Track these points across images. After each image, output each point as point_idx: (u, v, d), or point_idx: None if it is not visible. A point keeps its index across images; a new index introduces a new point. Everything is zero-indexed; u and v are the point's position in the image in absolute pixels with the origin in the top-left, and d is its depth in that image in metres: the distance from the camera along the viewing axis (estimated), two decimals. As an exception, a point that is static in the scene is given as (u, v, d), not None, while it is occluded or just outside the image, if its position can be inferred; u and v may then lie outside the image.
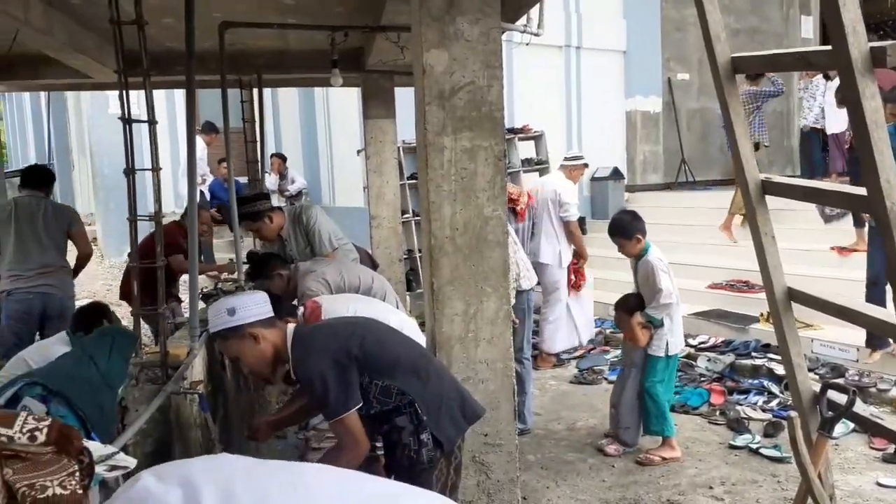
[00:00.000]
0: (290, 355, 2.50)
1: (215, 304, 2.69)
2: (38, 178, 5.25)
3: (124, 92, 2.76)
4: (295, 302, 3.91)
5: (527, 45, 4.46)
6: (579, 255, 6.22)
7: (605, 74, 10.21)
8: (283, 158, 10.48)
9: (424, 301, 2.96)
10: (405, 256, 7.33)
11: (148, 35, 2.81)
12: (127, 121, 2.75)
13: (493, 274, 2.73)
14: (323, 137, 10.73)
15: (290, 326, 2.57)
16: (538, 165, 9.12)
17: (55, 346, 2.97)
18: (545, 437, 4.87)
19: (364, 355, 2.44)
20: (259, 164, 6.39)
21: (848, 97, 1.94)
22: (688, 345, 6.20)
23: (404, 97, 6.21)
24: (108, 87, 7.19)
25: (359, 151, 8.54)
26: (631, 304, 4.42)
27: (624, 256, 4.57)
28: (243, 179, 7.09)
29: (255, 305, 2.53)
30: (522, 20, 4.38)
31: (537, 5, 4.33)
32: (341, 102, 9.50)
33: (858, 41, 1.89)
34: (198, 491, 1.23)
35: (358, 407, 2.40)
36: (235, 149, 6.11)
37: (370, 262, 5.24)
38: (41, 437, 1.80)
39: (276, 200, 9.83)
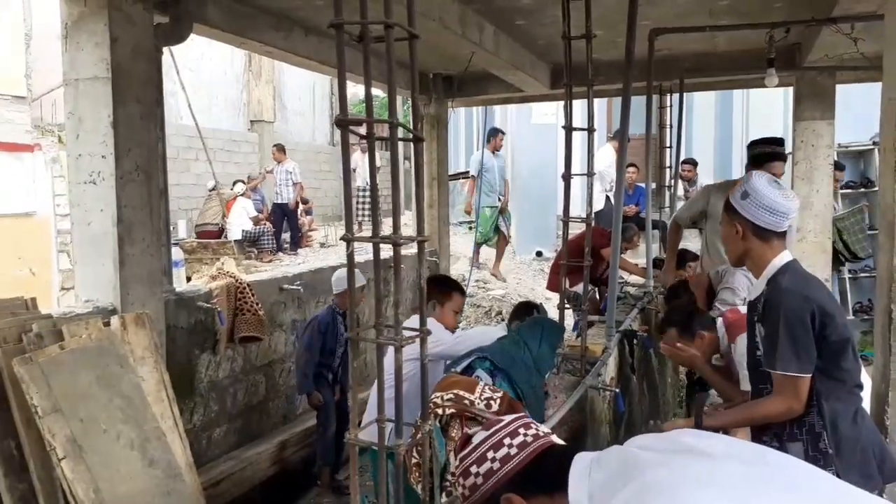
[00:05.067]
0: (773, 275, 2.20)
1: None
2: None
3: (569, 102, 2.98)
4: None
5: None
6: None
7: None
8: (693, 164, 10.20)
9: (875, 330, 2.56)
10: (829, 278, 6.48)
11: (582, 48, 2.97)
12: (569, 129, 2.96)
13: (981, 306, 2.23)
14: (738, 142, 10.13)
15: (786, 253, 2.24)
16: None
17: (494, 330, 3.36)
18: None
19: (827, 336, 2.10)
20: (672, 170, 6.32)
21: None
22: None
23: (846, 97, 5.49)
24: (534, 98, 7.93)
25: (780, 157, 7.82)
26: None
27: None
28: (652, 185, 7.09)
29: (761, 210, 2.20)
30: None
31: None
32: (763, 104, 8.84)
33: None
34: None
35: (809, 376, 2.09)
36: (643, 154, 6.12)
37: None
38: (495, 406, 2.06)
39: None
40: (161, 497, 2.88)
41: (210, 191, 11.01)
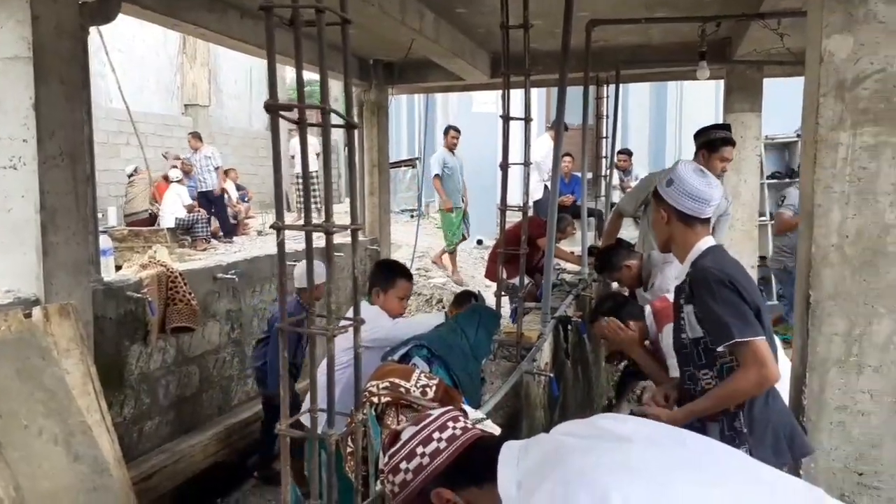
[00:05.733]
0: (696, 259, 2.29)
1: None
2: None
3: (506, 91, 2.99)
4: (642, 290, 3.83)
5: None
6: None
7: None
8: (628, 154, 10.43)
9: (795, 316, 2.67)
10: (757, 264, 6.74)
11: (520, 37, 2.99)
12: (506, 118, 2.98)
13: (891, 292, 2.35)
14: (672, 133, 10.41)
15: (709, 238, 2.34)
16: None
17: (434, 318, 3.37)
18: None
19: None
20: (608, 160, 6.45)
21: None
22: None
23: (772, 90, 5.70)
24: (476, 87, 7.95)
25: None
26: None
27: None
28: (588, 175, 7.21)
29: (684, 197, 2.29)
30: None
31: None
32: (695, 97, 9.10)
33: None
34: None
35: (763, 338, 2.14)
36: (579, 145, 6.22)
37: None
38: (430, 394, 2.07)
39: (615, 196, 9.84)
40: (86, 493, 2.78)
41: (129, 176, 10.61)
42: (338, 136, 19.57)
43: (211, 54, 14.58)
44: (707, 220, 2.33)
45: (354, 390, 1.43)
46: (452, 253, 9.47)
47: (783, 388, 2.58)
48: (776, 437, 2.21)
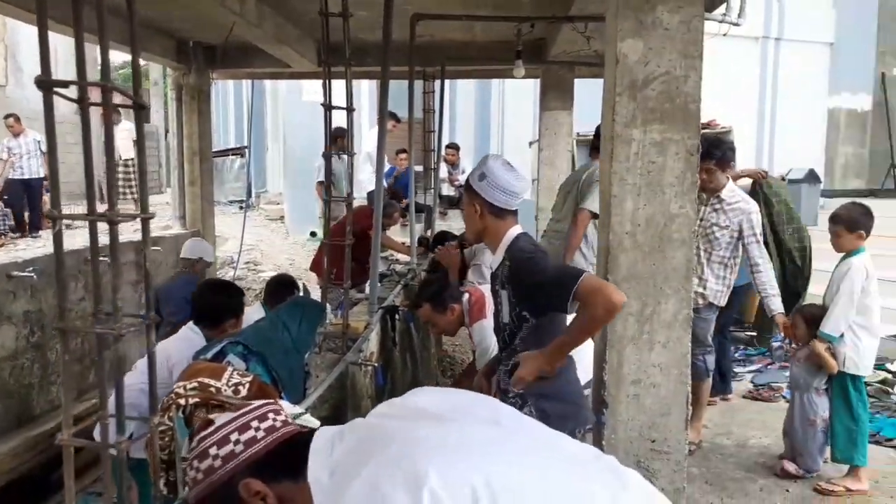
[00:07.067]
0: (510, 245, 2.43)
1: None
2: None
3: (327, 81, 2.95)
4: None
5: (724, 35, 4.19)
6: None
7: (806, 68, 9.38)
8: (456, 149, 10.72)
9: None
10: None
11: (342, 26, 2.97)
12: (328, 107, 2.94)
13: (675, 274, 2.61)
14: (496, 129, 10.85)
15: (518, 227, 2.48)
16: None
17: (253, 313, 3.25)
18: (712, 451, 4.59)
19: None
20: (436, 153, 6.58)
21: None
22: (884, 368, 5.59)
23: (583, 89, 6.11)
24: (304, 76, 7.76)
25: (531, 143, 8.52)
26: (815, 314, 4.06)
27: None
28: (418, 168, 7.33)
29: (496, 190, 2.41)
30: (721, 8, 4.12)
31: (739, -7, 4.07)
32: (517, 94, 9.54)
33: None
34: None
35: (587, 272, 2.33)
36: (412, 138, 6.32)
37: None
38: (243, 392, 2.00)
39: (445, 189, 10.10)
40: None
41: None
42: (158, 122, 18.33)
43: (8, 29, 13.04)
44: (516, 212, 2.47)
45: (149, 393, 1.34)
46: None
47: (588, 366, 2.80)
48: (563, 411, 2.40)
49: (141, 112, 1.31)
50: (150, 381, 1.34)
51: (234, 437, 1.27)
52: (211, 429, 1.29)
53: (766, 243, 5.16)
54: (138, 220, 1.31)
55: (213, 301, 3.16)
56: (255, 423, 1.30)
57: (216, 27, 5.51)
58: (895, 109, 9.77)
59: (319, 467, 1.24)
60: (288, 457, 1.28)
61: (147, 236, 1.30)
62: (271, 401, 1.42)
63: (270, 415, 1.33)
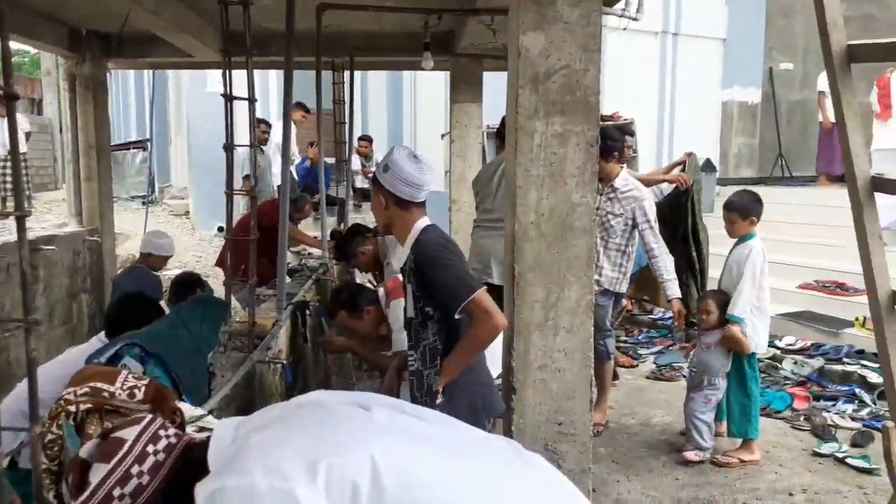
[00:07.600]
0: (416, 238, 2.45)
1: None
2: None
3: (227, 71, 2.86)
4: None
5: (623, 30, 4.33)
6: None
7: (701, 62, 9.85)
8: (368, 140, 10.64)
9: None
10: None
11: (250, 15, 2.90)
12: (229, 98, 2.85)
13: (577, 262, 2.68)
14: (408, 121, 10.83)
15: (425, 219, 2.51)
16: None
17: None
18: (618, 431, 4.79)
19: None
20: (347, 145, 6.51)
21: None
22: (774, 346, 5.95)
23: (492, 82, 6.18)
24: (208, 65, 7.48)
25: (443, 135, 8.55)
26: (726, 300, 4.28)
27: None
28: (331, 160, 7.23)
29: (400, 182, 2.43)
30: (621, 3, 4.26)
31: (637, -11, 4.21)
32: (428, 87, 9.56)
33: None
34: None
35: (484, 288, 2.41)
36: (324, 130, 6.23)
37: None
38: (139, 395, 1.90)
39: (359, 182, 10.01)
40: None
41: None
42: (52, 114, 17.27)
43: None
44: (423, 204, 2.47)
45: (29, 402, 1.26)
46: None
47: (497, 352, 2.84)
48: (472, 401, 2.43)
49: (13, 102, 1.23)
50: (30, 388, 1.27)
51: (134, 469, 1.21)
52: (111, 466, 1.21)
53: (695, 232, 5.40)
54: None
55: (119, 315, 3.00)
56: (150, 448, 1.24)
57: (112, 15, 5.23)
58: (781, 102, 10.39)
59: (222, 438, 1.22)
60: (194, 467, 1.23)
61: (24, 234, 1.22)
62: (152, 416, 1.35)
63: (160, 432, 1.28)
